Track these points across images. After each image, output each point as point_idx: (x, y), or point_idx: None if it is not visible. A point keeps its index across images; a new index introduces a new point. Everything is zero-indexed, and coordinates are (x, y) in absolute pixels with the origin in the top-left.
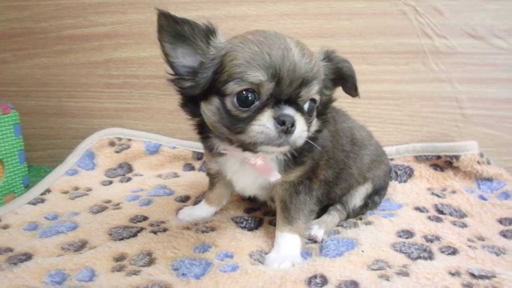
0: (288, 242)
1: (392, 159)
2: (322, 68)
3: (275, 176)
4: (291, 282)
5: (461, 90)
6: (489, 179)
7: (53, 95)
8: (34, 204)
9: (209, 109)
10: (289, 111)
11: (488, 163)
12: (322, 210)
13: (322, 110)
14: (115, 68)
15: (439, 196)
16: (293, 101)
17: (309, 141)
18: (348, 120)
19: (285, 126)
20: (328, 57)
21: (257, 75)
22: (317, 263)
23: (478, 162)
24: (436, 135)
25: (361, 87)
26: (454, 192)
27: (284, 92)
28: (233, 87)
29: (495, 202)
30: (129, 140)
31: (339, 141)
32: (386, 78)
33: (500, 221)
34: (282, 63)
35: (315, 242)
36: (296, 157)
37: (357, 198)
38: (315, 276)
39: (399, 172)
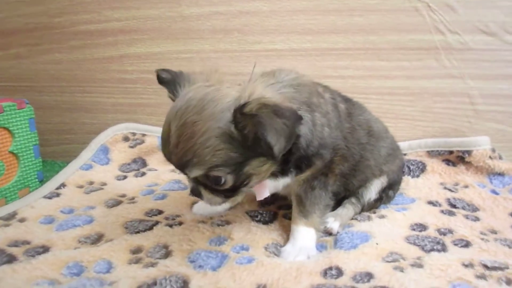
0: (303, 235)
1: (405, 154)
2: (219, 141)
3: (262, 196)
4: (306, 273)
5: (473, 86)
6: (501, 174)
7: (67, 90)
8: (49, 198)
9: None
10: (192, 185)
11: (500, 158)
12: (337, 203)
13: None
14: (129, 63)
15: (451, 191)
16: None
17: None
18: (364, 113)
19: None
20: (240, 114)
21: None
22: (332, 255)
23: (490, 157)
24: (448, 130)
25: (374, 83)
26: (466, 186)
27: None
28: None
29: (507, 197)
30: (143, 135)
31: (354, 135)
32: (399, 74)
33: None
34: (164, 151)
35: (330, 234)
36: (304, 164)
37: (372, 191)
38: (330, 268)
39: (411, 167)
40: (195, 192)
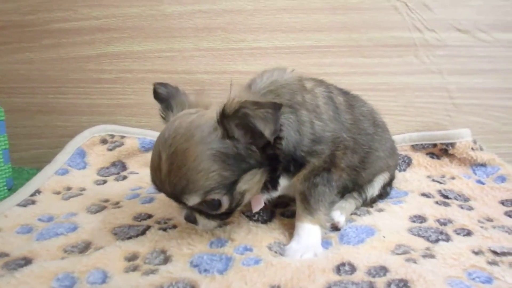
0: (308, 232)
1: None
2: (212, 161)
3: (258, 207)
4: (320, 271)
5: (450, 81)
6: (483, 165)
7: (39, 92)
8: (24, 206)
9: None
10: (187, 212)
11: (481, 149)
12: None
13: (265, 152)
14: (107, 62)
15: (440, 183)
16: None
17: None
18: (366, 104)
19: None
20: (224, 121)
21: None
22: (341, 251)
23: (472, 149)
24: (430, 124)
25: (357, 80)
26: (453, 178)
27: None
28: None
29: (493, 186)
30: (122, 137)
31: (359, 126)
32: (381, 70)
33: (502, 203)
34: (155, 181)
35: (336, 229)
36: (293, 165)
37: (375, 187)
38: (342, 264)
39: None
40: (190, 219)
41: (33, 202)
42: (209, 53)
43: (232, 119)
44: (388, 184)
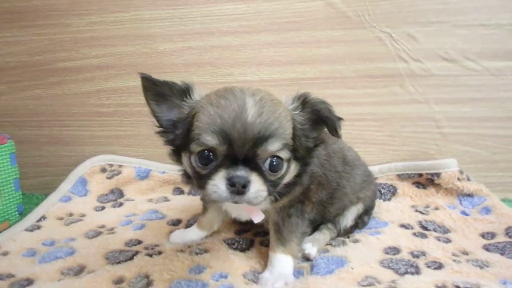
0: (281, 262)
1: (376, 178)
2: (291, 121)
3: (259, 218)
4: None
5: (438, 110)
6: (470, 195)
7: (46, 125)
8: (31, 231)
9: (185, 161)
10: (241, 172)
11: (468, 179)
12: (313, 228)
13: (307, 154)
14: (106, 97)
15: (422, 213)
16: (250, 161)
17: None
18: (337, 142)
19: (235, 188)
20: (303, 101)
21: (210, 139)
22: (309, 281)
23: (459, 179)
24: (417, 154)
25: (343, 110)
26: (437, 208)
27: (238, 152)
28: (194, 147)
29: (477, 217)
30: (120, 166)
31: (331, 162)
32: (366, 100)
33: (483, 236)
34: (233, 126)
35: (308, 260)
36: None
37: (348, 218)
38: None
39: (383, 191)
40: (241, 181)
41: (39, 228)
42: (198, 87)
43: (313, 105)
44: (365, 213)
